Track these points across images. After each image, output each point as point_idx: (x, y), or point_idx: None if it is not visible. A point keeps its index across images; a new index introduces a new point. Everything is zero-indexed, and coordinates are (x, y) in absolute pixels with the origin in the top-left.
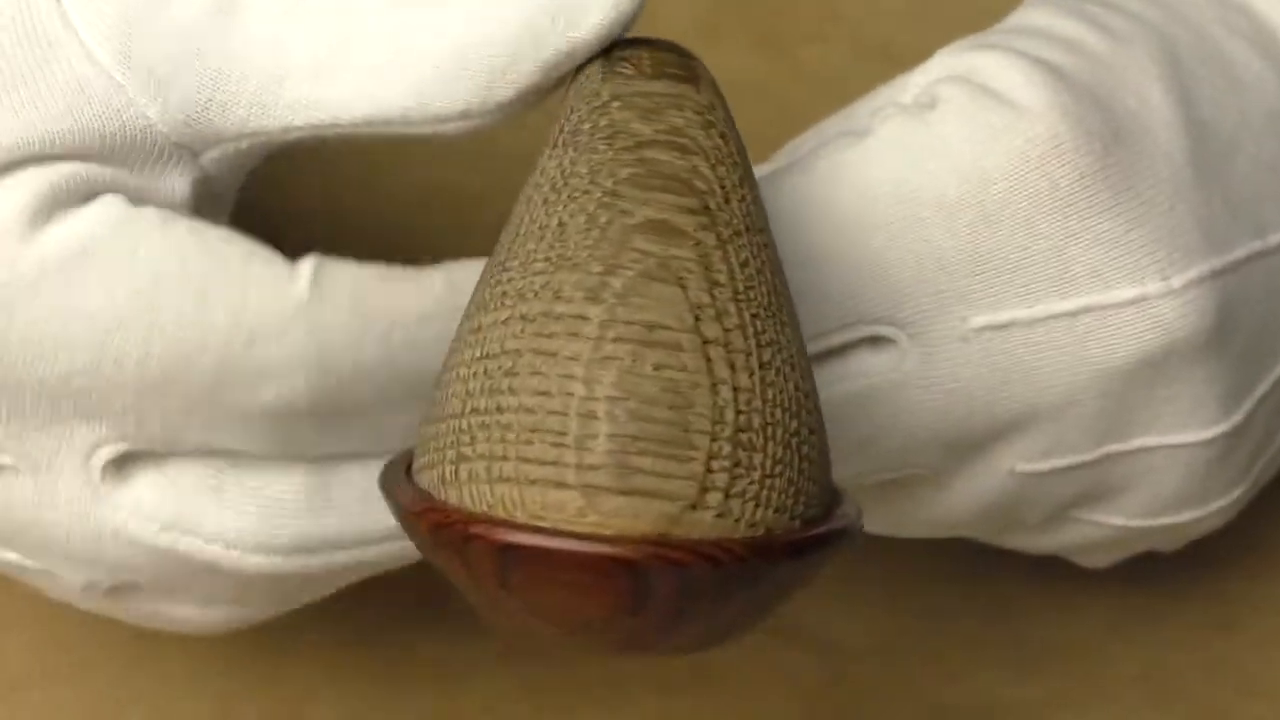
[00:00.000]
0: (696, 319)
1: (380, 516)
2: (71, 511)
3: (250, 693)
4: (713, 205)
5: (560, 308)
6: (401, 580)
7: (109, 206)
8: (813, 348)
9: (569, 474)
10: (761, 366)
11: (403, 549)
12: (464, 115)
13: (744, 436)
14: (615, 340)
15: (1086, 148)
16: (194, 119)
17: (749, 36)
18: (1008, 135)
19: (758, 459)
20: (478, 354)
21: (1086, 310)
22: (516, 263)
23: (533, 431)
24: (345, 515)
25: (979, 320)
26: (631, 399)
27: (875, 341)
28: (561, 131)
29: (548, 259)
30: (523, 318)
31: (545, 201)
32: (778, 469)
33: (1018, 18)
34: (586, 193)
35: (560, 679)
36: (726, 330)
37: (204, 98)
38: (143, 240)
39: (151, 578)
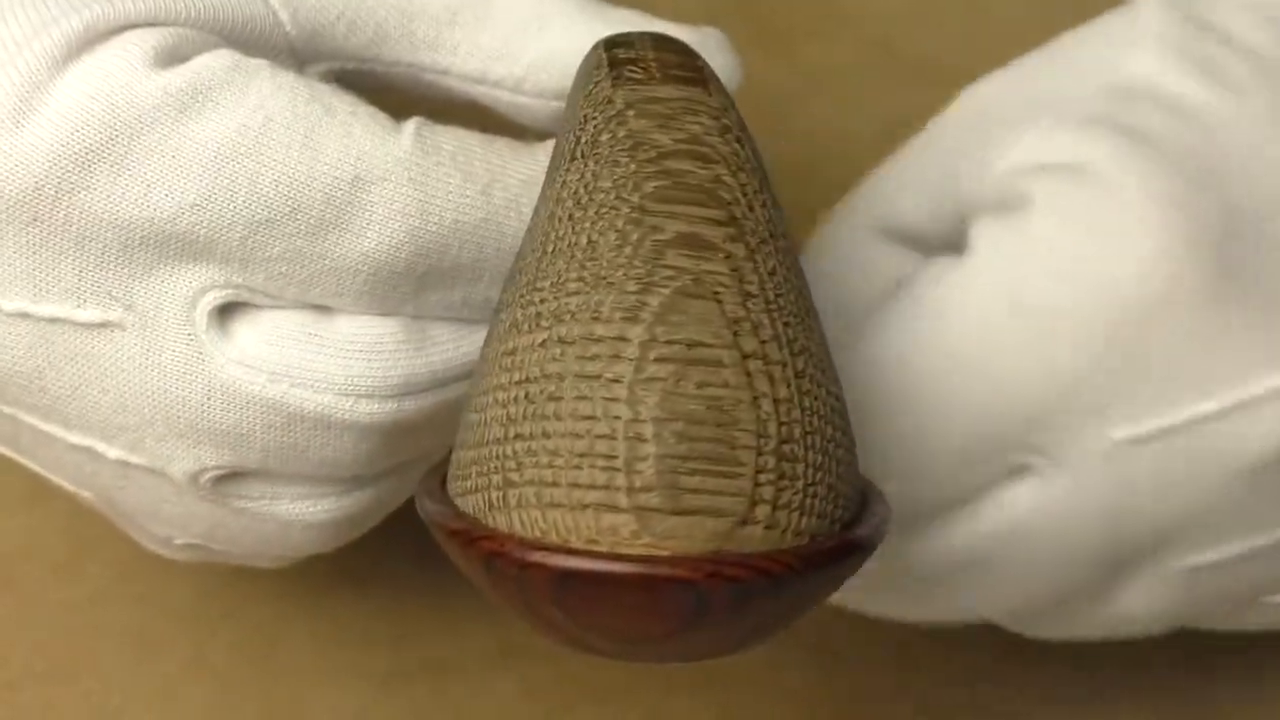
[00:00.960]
0: (735, 334)
1: (474, 350)
2: (179, 370)
3: (249, 690)
4: (738, 215)
5: (599, 329)
6: (402, 578)
7: (224, 54)
8: (954, 494)
9: (621, 497)
10: (797, 376)
11: None
12: None
13: (786, 448)
14: (657, 360)
15: (1202, 238)
16: (320, 31)
17: (749, 33)
18: (1116, 236)
19: (800, 469)
20: (516, 378)
21: (1230, 408)
22: (548, 283)
23: (581, 456)
24: (444, 351)
25: (1120, 434)
26: (678, 419)
27: (1015, 471)
28: (579, 142)
29: (581, 278)
30: (561, 340)
31: (571, 217)
32: (818, 476)
33: (1117, 63)
34: (614, 208)
35: (560, 678)
36: (763, 342)
37: (335, 13)
38: (254, 82)
39: (261, 450)
